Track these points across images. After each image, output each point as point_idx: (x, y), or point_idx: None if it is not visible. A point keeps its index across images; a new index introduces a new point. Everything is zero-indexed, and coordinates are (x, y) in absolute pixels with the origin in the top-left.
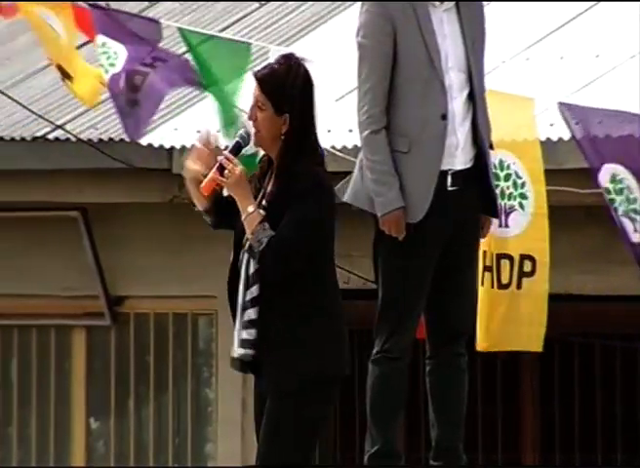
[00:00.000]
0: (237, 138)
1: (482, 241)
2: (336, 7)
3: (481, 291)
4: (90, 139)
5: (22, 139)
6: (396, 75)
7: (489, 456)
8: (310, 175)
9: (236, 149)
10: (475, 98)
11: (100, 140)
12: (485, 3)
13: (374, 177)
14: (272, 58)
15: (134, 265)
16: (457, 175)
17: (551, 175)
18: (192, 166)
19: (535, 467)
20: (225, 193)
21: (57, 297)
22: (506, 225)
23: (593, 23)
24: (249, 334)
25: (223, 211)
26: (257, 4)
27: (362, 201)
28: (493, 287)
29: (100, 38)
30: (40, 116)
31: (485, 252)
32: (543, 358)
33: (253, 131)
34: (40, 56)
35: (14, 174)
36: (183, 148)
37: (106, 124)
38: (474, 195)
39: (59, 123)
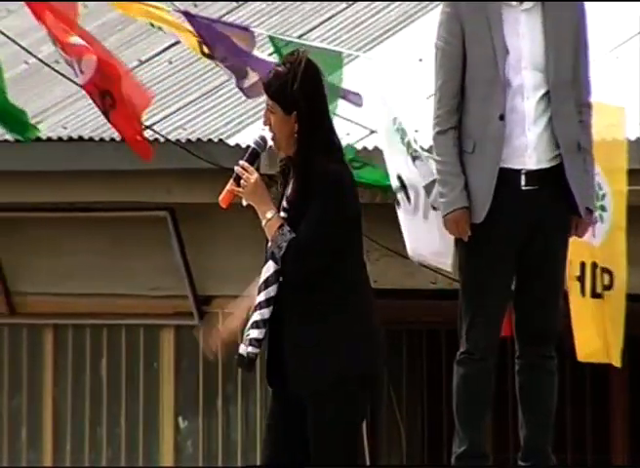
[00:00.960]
0: (253, 145)
1: (573, 248)
2: (424, 6)
3: (572, 299)
4: (178, 140)
5: (112, 140)
6: (465, 76)
7: (578, 457)
8: (327, 173)
9: (252, 157)
10: (553, 98)
11: (189, 141)
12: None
13: (439, 178)
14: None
15: (221, 265)
16: (531, 174)
17: (633, 174)
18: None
19: None
20: (245, 203)
21: (145, 297)
22: (593, 235)
23: None
24: (260, 333)
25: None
26: (344, 4)
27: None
28: (583, 296)
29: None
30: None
31: (573, 260)
32: (633, 358)
33: (269, 136)
34: (129, 56)
35: (103, 174)
36: (271, 148)
37: (194, 124)
38: (555, 195)
39: (147, 124)
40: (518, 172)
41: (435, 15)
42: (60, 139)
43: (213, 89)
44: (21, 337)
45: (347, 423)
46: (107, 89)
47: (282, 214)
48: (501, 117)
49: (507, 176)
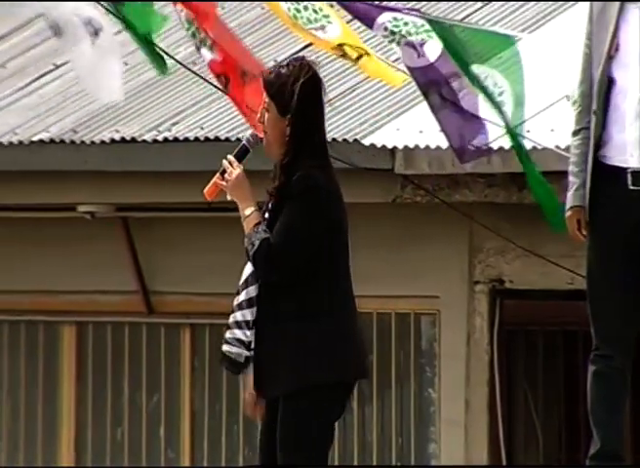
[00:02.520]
0: (243, 142)
1: None
2: (560, 5)
3: None
4: None
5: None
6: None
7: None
8: (303, 177)
9: (242, 153)
10: None
11: None
12: None
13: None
14: None
15: (357, 265)
16: (636, 174)
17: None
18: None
19: None
20: (229, 197)
21: None
22: None
23: None
24: (243, 335)
25: None
26: (480, 3)
27: None
28: None
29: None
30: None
31: None
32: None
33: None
34: (265, 57)
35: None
36: (406, 148)
37: (329, 125)
38: None
39: None
40: (624, 170)
41: (571, 14)
42: (196, 140)
43: (347, 89)
44: (159, 337)
45: (326, 424)
46: (222, 72)
47: (267, 214)
48: (594, 112)
49: (614, 175)
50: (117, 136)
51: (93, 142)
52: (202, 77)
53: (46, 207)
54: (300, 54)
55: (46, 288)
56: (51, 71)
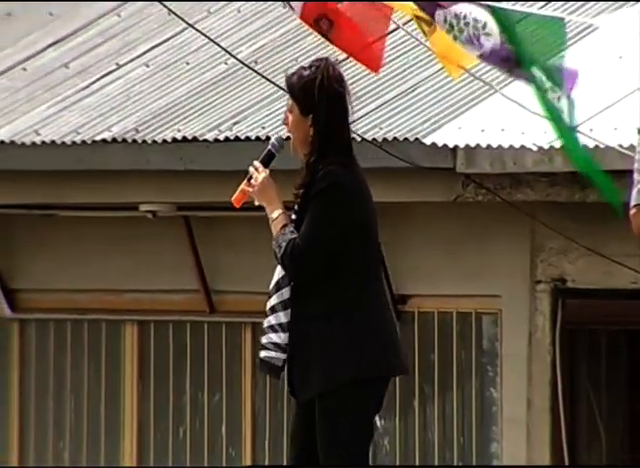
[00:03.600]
0: (269, 146)
1: None
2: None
3: None
4: (374, 139)
5: None
6: None
7: None
8: (325, 175)
9: (268, 158)
10: None
11: (385, 140)
12: None
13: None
14: None
15: (417, 264)
16: None
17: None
18: None
19: None
20: (257, 203)
21: None
22: None
23: None
24: (279, 338)
25: None
26: (540, 3)
27: None
28: None
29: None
30: None
31: None
32: None
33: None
34: (330, 54)
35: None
36: (467, 147)
37: (391, 123)
38: None
39: None
40: None
41: (634, 11)
42: (258, 139)
43: (409, 87)
44: (221, 335)
45: (356, 422)
46: (321, 13)
47: (293, 216)
48: None
49: None
50: (179, 136)
51: (154, 142)
52: (264, 76)
53: (108, 206)
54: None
55: (108, 287)
56: (113, 71)
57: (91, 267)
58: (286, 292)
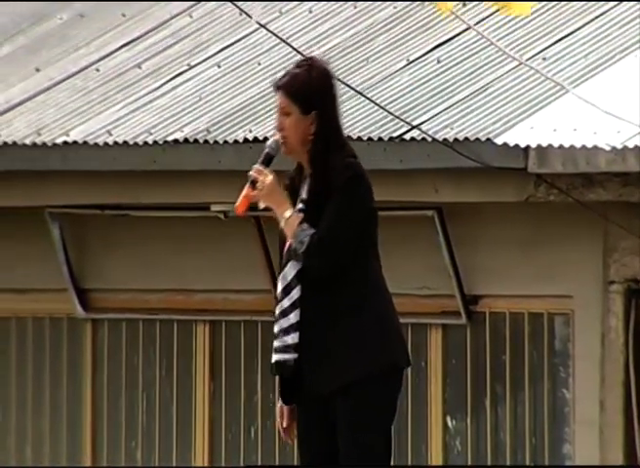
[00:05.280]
0: (267, 149)
1: None
2: None
3: None
4: (445, 139)
5: (380, 139)
6: None
7: None
8: (346, 166)
9: (267, 160)
10: None
11: (456, 140)
12: None
13: None
14: None
15: (489, 264)
16: None
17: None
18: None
19: None
20: (262, 206)
21: (413, 296)
22: None
23: None
24: (291, 339)
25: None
26: (611, 3)
27: None
28: None
29: None
30: (397, 117)
31: None
32: None
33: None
34: (397, 56)
35: (372, 173)
36: (539, 147)
37: (462, 123)
38: None
39: (415, 123)
40: None
41: None
42: None
43: (481, 87)
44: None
45: (392, 408)
46: None
47: (301, 214)
48: None
49: None
50: (250, 136)
51: (226, 142)
52: (335, 76)
53: (180, 206)
54: (436, 52)
55: (180, 286)
56: (185, 72)
57: (162, 267)
58: (296, 293)
